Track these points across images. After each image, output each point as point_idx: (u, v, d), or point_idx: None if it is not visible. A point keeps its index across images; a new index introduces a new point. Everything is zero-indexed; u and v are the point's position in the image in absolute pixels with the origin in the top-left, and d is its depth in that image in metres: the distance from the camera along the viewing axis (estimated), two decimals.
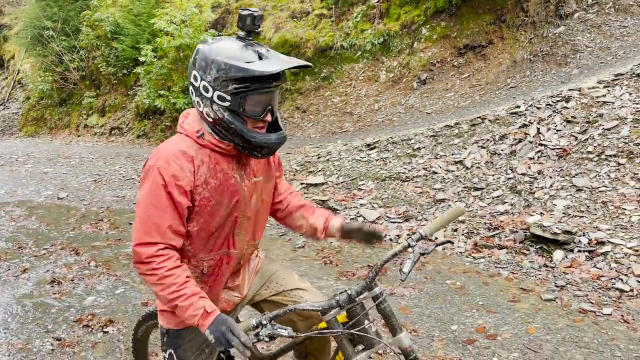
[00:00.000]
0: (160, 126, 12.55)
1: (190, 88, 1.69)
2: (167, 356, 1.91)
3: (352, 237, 1.95)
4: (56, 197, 7.76)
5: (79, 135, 14.90)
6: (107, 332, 3.61)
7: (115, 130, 14.19)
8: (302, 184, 6.58)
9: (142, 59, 11.82)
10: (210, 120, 1.66)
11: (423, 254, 1.67)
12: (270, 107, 1.66)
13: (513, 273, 4.17)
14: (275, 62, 1.58)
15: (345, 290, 1.69)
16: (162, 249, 1.65)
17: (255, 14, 1.61)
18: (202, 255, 1.80)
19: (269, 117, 1.67)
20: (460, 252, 4.68)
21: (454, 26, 10.29)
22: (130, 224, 6.23)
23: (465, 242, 4.78)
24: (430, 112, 9.04)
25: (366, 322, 1.69)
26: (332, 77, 11.31)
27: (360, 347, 1.72)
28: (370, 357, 1.72)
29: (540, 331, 3.29)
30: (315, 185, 6.50)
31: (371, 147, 7.01)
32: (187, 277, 1.68)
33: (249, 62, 1.56)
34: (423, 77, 10.17)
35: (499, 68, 9.26)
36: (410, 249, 1.69)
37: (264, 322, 1.56)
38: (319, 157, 7.22)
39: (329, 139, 9.05)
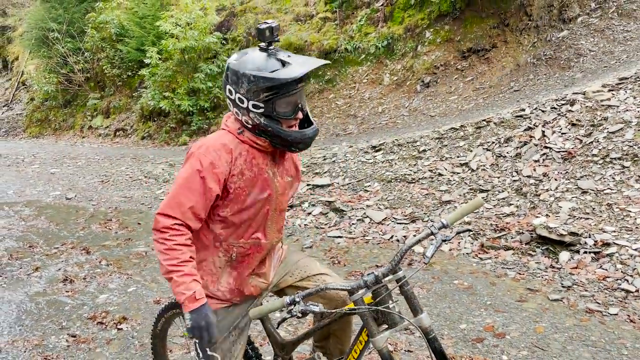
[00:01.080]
0: (165, 128, 12.62)
1: (228, 101, 1.87)
2: (196, 340, 1.98)
3: None
4: (64, 197, 7.82)
5: (83, 137, 14.97)
6: (121, 329, 3.66)
7: (120, 132, 14.26)
8: (308, 185, 6.65)
9: (147, 60, 11.90)
10: (250, 126, 1.84)
11: (445, 241, 1.80)
12: (299, 105, 1.82)
13: (520, 274, 4.23)
14: (297, 67, 1.75)
15: (373, 272, 1.81)
16: (178, 224, 1.80)
17: (273, 25, 1.78)
18: (232, 240, 1.94)
19: (300, 115, 1.85)
20: (467, 253, 4.74)
21: (458, 30, 10.37)
22: (139, 223, 6.30)
23: (472, 244, 4.85)
24: (434, 115, 9.11)
25: (390, 302, 1.80)
26: (336, 80, 11.38)
27: (384, 326, 1.84)
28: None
29: (548, 330, 3.35)
30: (322, 186, 6.56)
31: (377, 149, 7.08)
32: (191, 257, 1.82)
33: (274, 71, 1.73)
34: (427, 80, 10.25)
35: (503, 71, 9.33)
36: (432, 236, 1.80)
37: (297, 299, 1.69)
38: (324, 159, 7.29)
39: (333, 141, 9.12)
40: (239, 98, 1.80)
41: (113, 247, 5.48)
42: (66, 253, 5.28)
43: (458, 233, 1.90)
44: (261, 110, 1.78)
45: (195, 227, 1.85)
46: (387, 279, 1.80)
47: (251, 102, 1.77)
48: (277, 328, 2.20)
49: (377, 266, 4.58)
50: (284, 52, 1.81)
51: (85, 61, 15.49)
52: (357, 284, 1.78)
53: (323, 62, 1.83)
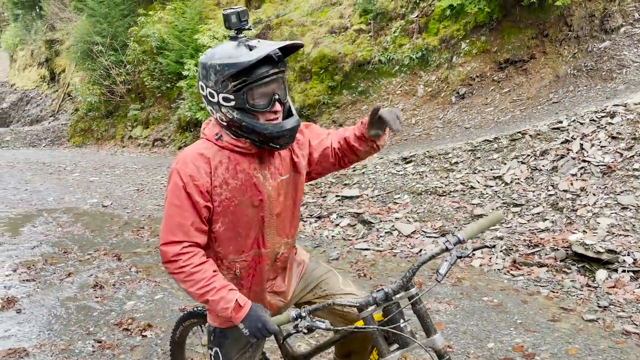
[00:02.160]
0: None
1: (203, 100, 1.75)
2: (212, 354, 1.97)
3: (377, 125, 1.86)
4: (101, 205, 8.04)
5: (123, 146, 15.42)
6: (146, 336, 3.70)
7: (158, 142, 14.62)
8: (337, 196, 6.61)
9: (185, 73, 12.19)
10: (224, 123, 1.70)
11: (460, 257, 1.67)
12: (276, 96, 1.66)
13: (553, 292, 4.06)
14: (262, 49, 1.59)
15: (382, 288, 1.71)
16: (186, 247, 1.70)
17: (239, 10, 1.64)
18: (233, 257, 1.84)
19: (277, 107, 1.68)
20: (498, 269, 4.58)
21: (495, 40, 10.18)
22: None
23: (504, 259, 4.69)
24: (469, 126, 8.94)
25: (401, 321, 1.70)
26: (369, 91, 11.35)
27: (395, 346, 1.74)
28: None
29: (581, 352, 3.18)
30: (350, 197, 6.51)
31: (407, 160, 6.98)
32: (215, 271, 1.73)
33: (239, 58, 1.59)
34: (462, 91, 10.08)
35: (541, 83, 9.09)
36: (447, 252, 1.69)
37: (303, 314, 1.61)
38: (354, 170, 7.24)
39: None
40: (209, 92, 1.67)
41: (144, 254, 5.57)
42: (98, 259, 5.40)
43: (475, 250, 1.78)
44: (232, 104, 1.63)
45: (203, 242, 1.76)
46: (398, 296, 1.71)
47: (221, 95, 1.64)
48: (282, 343, 2.14)
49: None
50: (256, 40, 1.66)
51: (127, 73, 16.00)
52: (366, 301, 1.70)
53: (292, 42, 1.66)
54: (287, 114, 1.74)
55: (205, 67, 1.66)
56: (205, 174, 1.71)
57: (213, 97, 1.67)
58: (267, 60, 1.61)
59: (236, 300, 1.69)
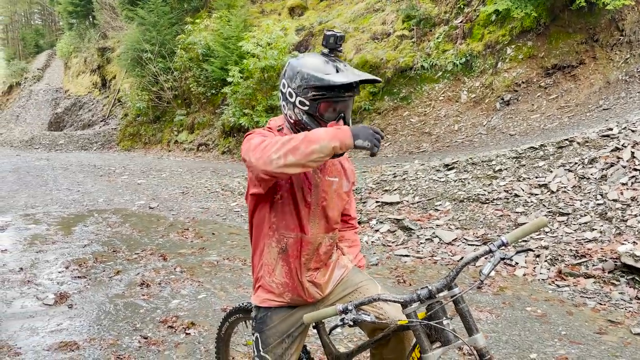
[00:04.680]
0: None
1: (279, 94, 1.97)
2: (254, 339, 2.10)
3: None
4: (148, 207, 8.32)
5: (169, 150, 15.88)
6: (189, 333, 3.81)
7: (203, 147, 14.99)
8: (377, 202, 6.60)
9: (229, 79, 12.47)
10: (292, 121, 1.92)
11: (503, 259, 1.71)
12: (342, 114, 1.88)
13: (600, 304, 3.93)
14: (348, 76, 1.81)
15: (427, 286, 1.75)
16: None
17: (338, 35, 1.85)
18: (283, 231, 1.98)
19: (340, 123, 1.87)
20: (543, 279, 4.47)
21: (542, 46, 9.96)
22: (213, 234, 6.55)
23: (549, 269, 4.57)
24: (513, 133, 8.76)
25: (444, 319, 1.74)
26: (411, 97, 11.29)
27: (437, 344, 1.78)
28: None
29: None
30: (391, 204, 6.49)
31: (449, 167, 6.91)
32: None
33: (327, 75, 1.80)
34: (507, 97, 9.90)
35: (591, 89, 8.82)
36: (491, 254, 1.72)
37: (350, 307, 1.68)
38: (395, 176, 7.21)
39: (405, 159, 9.02)
40: (289, 92, 1.89)
41: (188, 255, 5.73)
42: (145, 259, 5.59)
43: (518, 252, 1.80)
44: (305, 108, 1.85)
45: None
46: (441, 294, 1.74)
47: (299, 98, 1.85)
48: (328, 334, 2.20)
49: None
50: (343, 62, 1.88)
51: (174, 80, 16.50)
52: (410, 297, 1.74)
53: (373, 77, 1.85)
54: None
55: (294, 71, 1.87)
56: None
57: (291, 97, 1.89)
58: (347, 85, 1.82)
59: (334, 129, 1.71)
